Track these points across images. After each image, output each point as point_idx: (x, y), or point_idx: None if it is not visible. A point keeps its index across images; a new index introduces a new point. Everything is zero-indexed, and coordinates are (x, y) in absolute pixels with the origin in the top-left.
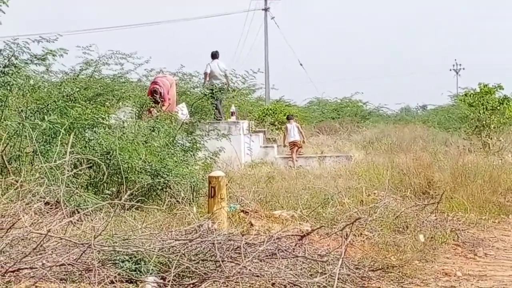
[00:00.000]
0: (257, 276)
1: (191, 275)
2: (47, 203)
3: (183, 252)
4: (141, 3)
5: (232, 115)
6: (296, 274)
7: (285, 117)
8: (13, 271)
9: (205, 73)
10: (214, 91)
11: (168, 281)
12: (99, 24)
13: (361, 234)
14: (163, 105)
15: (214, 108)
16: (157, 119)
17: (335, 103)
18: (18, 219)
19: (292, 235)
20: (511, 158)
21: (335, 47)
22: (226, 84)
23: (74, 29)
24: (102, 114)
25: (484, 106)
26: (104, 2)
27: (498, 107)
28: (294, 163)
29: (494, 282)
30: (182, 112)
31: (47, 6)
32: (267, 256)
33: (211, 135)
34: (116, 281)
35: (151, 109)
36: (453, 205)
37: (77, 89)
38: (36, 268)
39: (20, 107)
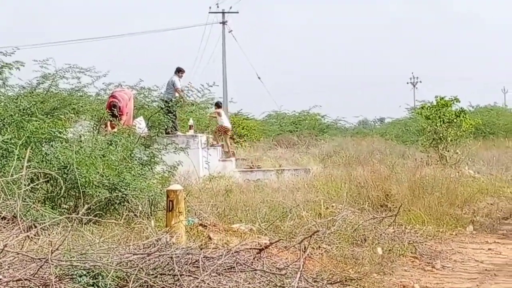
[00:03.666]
0: None
1: None
2: (3, 218)
3: (141, 266)
4: (98, 16)
5: (190, 128)
6: None
7: (243, 130)
8: None
9: (177, 89)
10: (170, 105)
11: None
12: (58, 38)
13: (319, 247)
14: (120, 119)
15: (171, 121)
16: (115, 133)
17: (293, 116)
18: None
19: (250, 249)
20: (468, 170)
21: (293, 60)
22: (181, 98)
23: (33, 42)
24: (59, 128)
25: (441, 119)
26: (62, 16)
27: (455, 120)
28: (229, 148)
29: None
30: (140, 125)
31: (6, 20)
32: (225, 269)
33: (169, 148)
34: None
35: (109, 123)
36: (411, 218)
37: (34, 103)
38: None
39: None
